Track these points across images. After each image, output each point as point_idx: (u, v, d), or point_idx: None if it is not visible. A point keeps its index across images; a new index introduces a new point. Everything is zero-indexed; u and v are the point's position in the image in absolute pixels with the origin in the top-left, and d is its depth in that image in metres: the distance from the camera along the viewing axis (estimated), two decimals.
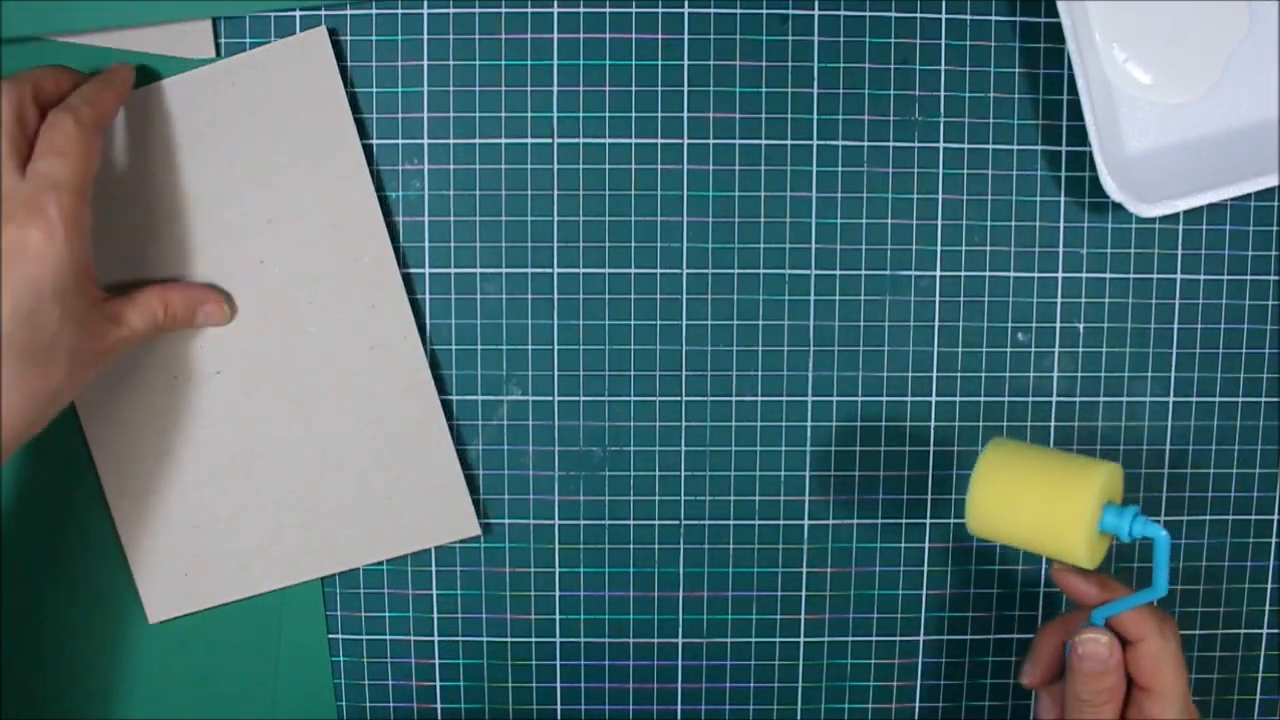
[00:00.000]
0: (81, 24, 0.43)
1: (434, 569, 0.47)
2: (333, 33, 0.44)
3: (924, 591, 0.48)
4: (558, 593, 0.47)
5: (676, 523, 0.47)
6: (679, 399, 0.47)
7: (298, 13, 0.44)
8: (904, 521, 0.48)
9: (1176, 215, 0.47)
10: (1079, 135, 0.46)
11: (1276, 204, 0.47)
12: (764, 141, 0.46)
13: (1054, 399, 0.47)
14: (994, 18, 0.46)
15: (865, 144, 0.46)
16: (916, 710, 0.49)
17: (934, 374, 0.47)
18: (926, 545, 0.48)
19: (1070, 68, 0.45)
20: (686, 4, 0.45)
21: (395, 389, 0.45)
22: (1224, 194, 0.43)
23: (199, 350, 0.45)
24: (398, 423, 0.45)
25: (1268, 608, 0.49)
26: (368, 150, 0.45)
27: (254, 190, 0.44)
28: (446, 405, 0.46)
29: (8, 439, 0.36)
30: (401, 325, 0.45)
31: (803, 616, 0.48)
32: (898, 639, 0.48)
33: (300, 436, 0.45)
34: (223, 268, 0.44)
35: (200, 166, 0.44)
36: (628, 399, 0.47)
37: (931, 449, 0.47)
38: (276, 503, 0.46)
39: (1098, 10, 0.46)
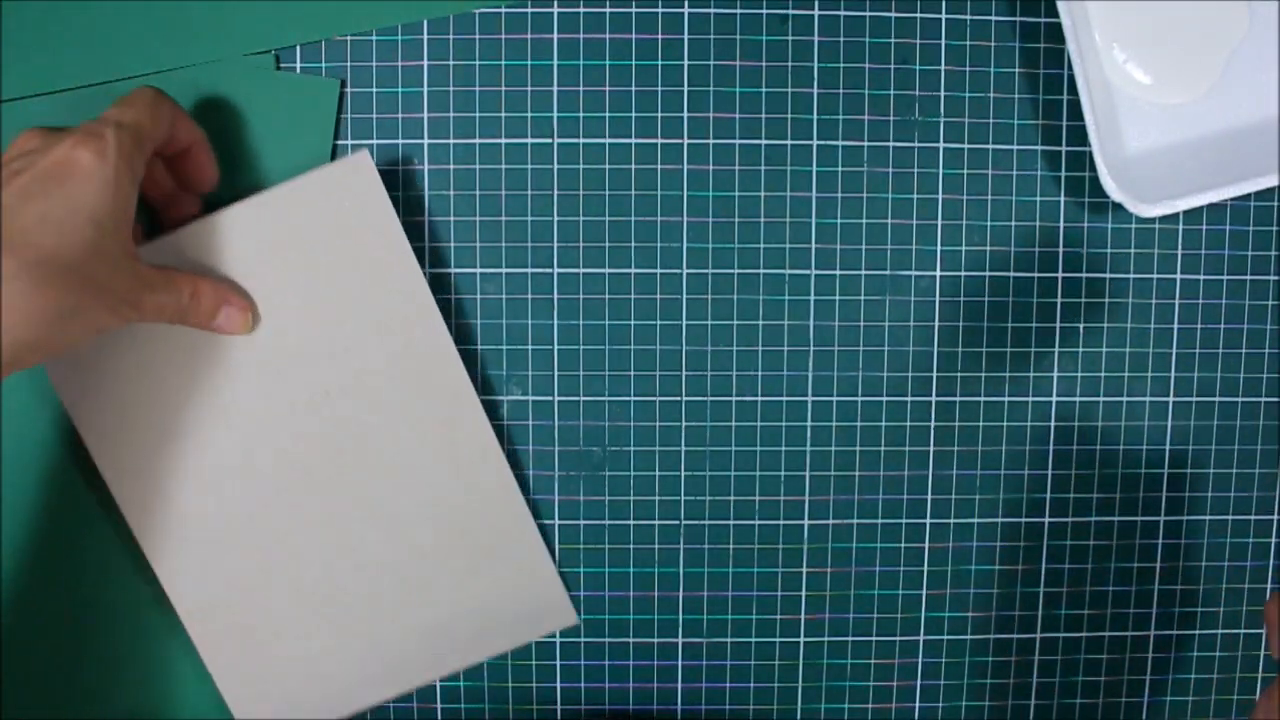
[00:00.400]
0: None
1: None
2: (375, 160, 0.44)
3: (924, 591, 0.48)
4: None
5: (676, 523, 0.47)
6: (679, 399, 0.47)
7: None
8: (904, 521, 0.48)
9: (1176, 215, 0.47)
10: (1079, 135, 0.46)
11: (1276, 204, 0.47)
12: (764, 141, 0.46)
13: (1054, 399, 0.47)
14: (994, 18, 0.46)
15: (865, 144, 0.46)
16: (916, 710, 0.49)
17: (934, 374, 0.47)
18: (926, 545, 0.48)
19: (1070, 68, 0.45)
20: (686, 4, 0.45)
21: (482, 504, 0.45)
22: (1224, 194, 0.43)
23: (276, 486, 0.44)
24: (487, 535, 0.45)
25: None
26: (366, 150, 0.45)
27: (311, 323, 0.43)
28: None
29: (7, 344, 0.34)
30: (481, 442, 0.44)
31: (803, 616, 0.48)
32: (898, 639, 0.48)
33: (389, 558, 0.45)
34: (287, 402, 0.43)
35: (254, 303, 0.43)
36: (628, 399, 0.47)
37: (931, 449, 0.47)
38: (370, 624, 0.45)
39: (1098, 10, 0.46)
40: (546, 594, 0.46)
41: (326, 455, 0.44)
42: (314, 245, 0.43)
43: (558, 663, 0.48)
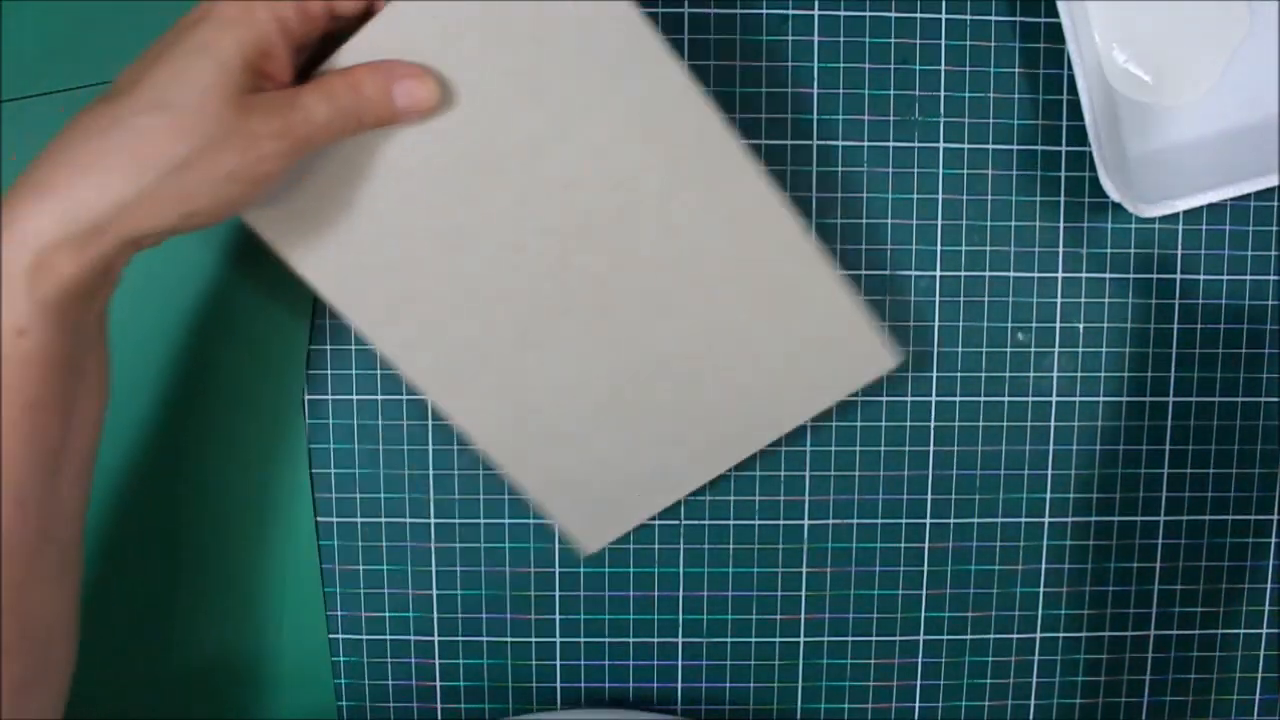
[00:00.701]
0: None
1: (434, 569, 0.47)
2: None
3: (924, 591, 0.48)
4: (558, 593, 0.47)
5: (676, 523, 0.47)
6: None
7: None
8: (904, 521, 0.48)
9: (1176, 215, 0.47)
10: (1079, 135, 0.46)
11: (1276, 204, 0.47)
12: (764, 141, 0.46)
13: (1054, 399, 0.47)
14: (994, 18, 0.46)
15: (865, 144, 0.46)
16: (916, 710, 0.49)
17: (934, 374, 0.47)
18: (926, 545, 0.48)
19: (1070, 68, 0.45)
20: (687, 4, 0.45)
21: (767, 259, 0.41)
22: (1224, 194, 0.43)
23: (542, 294, 0.41)
24: (778, 288, 0.42)
25: (1267, 608, 0.49)
26: None
27: (566, 144, 0.39)
28: None
29: (107, 202, 0.32)
30: (755, 193, 0.40)
31: (803, 616, 0.48)
32: (898, 639, 0.48)
33: (679, 341, 0.42)
34: (547, 198, 0.40)
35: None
36: None
37: (931, 449, 0.47)
38: (676, 409, 0.43)
39: (1098, 10, 0.46)
40: (856, 339, 0.43)
41: (595, 244, 0.41)
42: (558, 71, 0.38)
43: (558, 663, 0.48)
